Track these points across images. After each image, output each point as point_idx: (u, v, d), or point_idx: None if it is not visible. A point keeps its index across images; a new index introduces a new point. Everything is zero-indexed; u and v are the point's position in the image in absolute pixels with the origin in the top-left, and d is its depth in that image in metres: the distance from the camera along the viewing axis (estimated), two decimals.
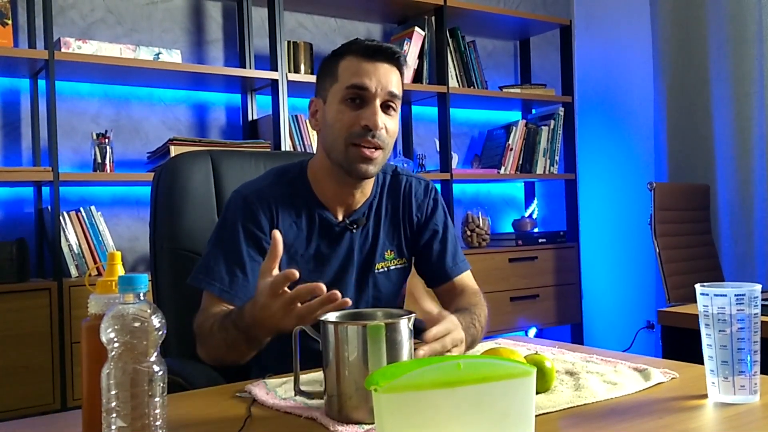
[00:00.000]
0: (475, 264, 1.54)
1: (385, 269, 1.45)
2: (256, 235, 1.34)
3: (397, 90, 1.33)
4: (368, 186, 1.43)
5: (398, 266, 1.47)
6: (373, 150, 1.31)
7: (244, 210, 1.35)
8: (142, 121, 2.77)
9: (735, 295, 0.95)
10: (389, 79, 1.32)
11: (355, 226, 1.40)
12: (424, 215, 1.49)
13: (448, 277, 1.48)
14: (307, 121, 2.89)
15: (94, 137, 2.52)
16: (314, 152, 2.89)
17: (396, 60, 1.34)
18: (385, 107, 1.33)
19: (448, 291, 1.48)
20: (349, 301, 1.03)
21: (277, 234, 1.11)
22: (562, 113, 3.55)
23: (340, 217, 1.41)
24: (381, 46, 1.33)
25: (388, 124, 1.32)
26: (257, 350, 1.22)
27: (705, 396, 0.99)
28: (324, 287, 1.01)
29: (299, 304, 1.05)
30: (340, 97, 1.32)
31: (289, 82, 2.78)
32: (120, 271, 0.90)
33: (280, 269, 1.35)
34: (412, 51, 3.10)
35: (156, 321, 0.78)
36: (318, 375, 1.10)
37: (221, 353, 1.24)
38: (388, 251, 1.45)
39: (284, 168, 1.44)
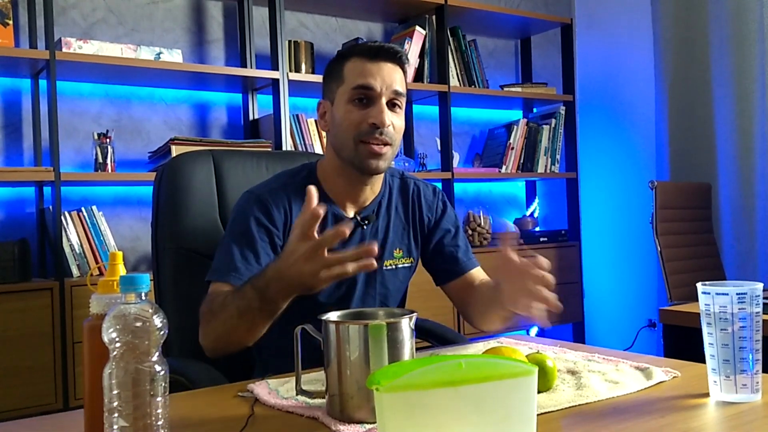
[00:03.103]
0: None
1: (393, 267, 1.47)
2: (269, 229, 1.35)
3: (401, 88, 1.37)
4: (377, 183, 1.46)
5: (405, 265, 1.49)
6: (382, 146, 1.35)
7: (257, 206, 1.36)
8: (144, 121, 2.77)
9: (737, 294, 0.95)
10: (393, 78, 1.36)
11: (366, 222, 1.43)
12: (434, 216, 1.53)
13: (463, 271, 1.50)
14: (316, 122, 2.90)
15: (96, 137, 2.52)
16: (315, 152, 2.91)
17: (399, 59, 1.39)
18: (391, 105, 1.37)
19: (463, 285, 1.49)
20: (374, 251, 1.07)
21: (312, 189, 1.10)
22: (563, 112, 3.55)
23: (351, 214, 1.43)
24: (383, 47, 1.38)
25: (395, 121, 1.36)
26: (268, 322, 1.19)
27: (707, 395, 0.99)
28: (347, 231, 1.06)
29: (326, 253, 1.07)
30: (347, 97, 1.36)
31: (290, 81, 2.78)
32: (121, 270, 0.90)
33: None
34: (413, 50, 3.10)
35: (158, 321, 0.78)
36: (320, 374, 1.10)
37: (229, 327, 1.21)
38: (397, 249, 1.48)
39: (293, 170, 1.46)
